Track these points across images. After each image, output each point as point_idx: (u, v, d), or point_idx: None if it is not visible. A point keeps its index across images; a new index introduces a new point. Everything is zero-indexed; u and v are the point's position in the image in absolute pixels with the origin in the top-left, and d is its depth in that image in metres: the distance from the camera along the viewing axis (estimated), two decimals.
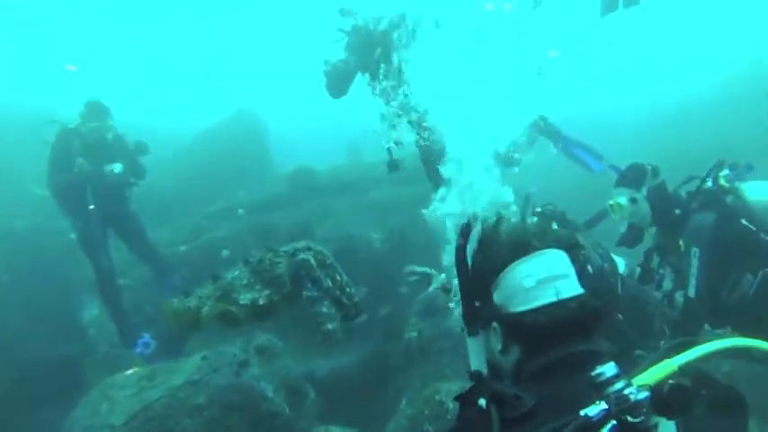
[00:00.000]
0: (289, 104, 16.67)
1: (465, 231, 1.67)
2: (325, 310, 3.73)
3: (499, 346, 1.60)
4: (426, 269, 4.79)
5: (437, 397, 4.22)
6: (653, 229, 4.30)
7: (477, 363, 1.65)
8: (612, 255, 4.56)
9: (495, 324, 1.61)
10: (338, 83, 6.23)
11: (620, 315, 4.29)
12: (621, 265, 4.61)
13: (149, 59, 18.43)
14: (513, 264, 1.58)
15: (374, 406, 6.03)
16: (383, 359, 6.48)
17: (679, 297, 4.07)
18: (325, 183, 8.65)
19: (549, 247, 1.61)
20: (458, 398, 1.52)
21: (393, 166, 6.12)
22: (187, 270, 7.52)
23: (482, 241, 1.70)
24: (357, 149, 10.50)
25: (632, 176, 4.27)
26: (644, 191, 4.21)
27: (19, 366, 7.30)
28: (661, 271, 4.41)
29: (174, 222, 8.31)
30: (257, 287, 3.83)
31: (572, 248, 1.66)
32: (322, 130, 12.50)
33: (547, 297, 1.53)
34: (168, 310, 4.02)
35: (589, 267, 4.39)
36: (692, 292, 3.87)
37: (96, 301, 7.07)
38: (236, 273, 3.95)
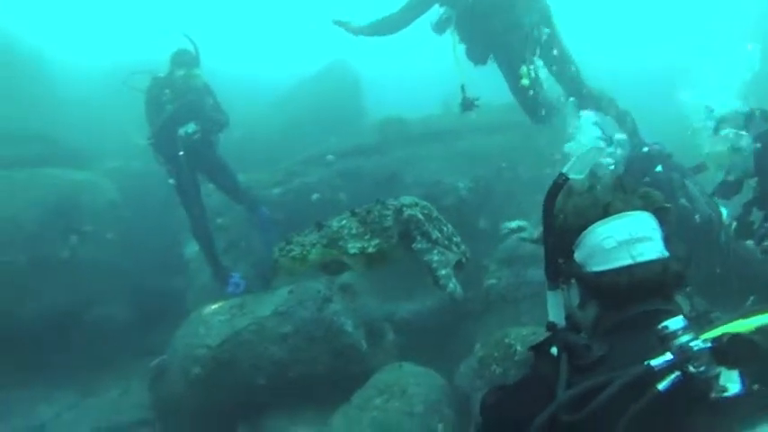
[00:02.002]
0: (388, 53, 16.61)
1: (555, 186, 1.66)
2: (437, 257, 3.82)
3: (577, 302, 1.65)
4: (520, 222, 4.84)
5: (506, 340, 4.26)
6: (753, 180, 3.97)
7: (555, 315, 1.69)
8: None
9: (574, 281, 1.65)
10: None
11: (717, 269, 4.08)
12: (725, 214, 4.34)
13: (246, 10, 18.89)
14: (595, 224, 1.59)
15: (450, 348, 6.16)
16: (462, 304, 6.53)
17: None
18: (415, 131, 8.67)
19: (634, 208, 1.59)
20: (532, 347, 1.58)
21: (467, 104, 6.15)
22: (280, 211, 7.94)
23: (568, 198, 1.71)
24: (452, 102, 10.35)
25: (738, 118, 3.94)
26: (748, 137, 3.88)
27: (133, 297, 8.16)
28: (766, 224, 4.09)
29: (268, 167, 8.70)
30: (366, 237, 3.90)
31: (660, 211, 1.63)
32: (419, 80, 12.38)
33: (627, 258, 1.53)
34: (278, 259, 4.13)
35: (697, 217, 4.17)
36: None
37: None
38: (343, 222, 4.03)
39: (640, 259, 1.53)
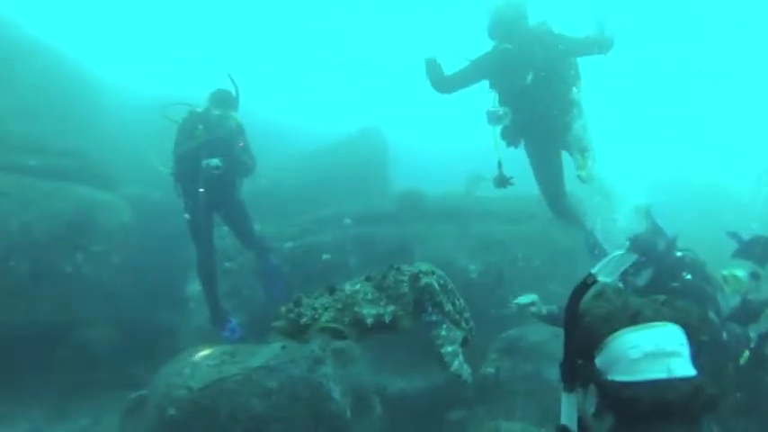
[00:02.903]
0: (421, 126, 17.06)
1: (582, 286, 1.63)
2: (444, 333, 3.68)
3: (593, 410, 1.58)
4: (531, 296, 4.74)
5: None
6: None
7: (567, 418, 1.62)
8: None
9: (592, 386, 1.59)
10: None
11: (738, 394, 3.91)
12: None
13: (292, 63, 19.66)
14: (621, 331, 1.53)
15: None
16: (455, 389, 6.34)
17: None
18: (433, 207, 8.72)
19: (663, 319, 1.53)
20: None
21: (501, 181, 6.17)
22: (289, 266, 7.90)
23: (596, 300, 1.67)
24: (476, 181, 10.48)
25: (758, 249, 3.89)
26: None
27: (125, 324, 8.04)
28: None
29: (285, 220, 8.75)
30: (381, 303, 3.74)
31: (694, 328, 1.56)
32: (448, 156, 12.60)
33: (654, 372, 1.46)
34: (282, 320, 3.89)
35: (724, 334, 3.99)
36: None
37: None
38: (357, 286, 3.87)
39: (668, 375, 1.44)
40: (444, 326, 3.68)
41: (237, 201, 7.06)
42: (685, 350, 1.50)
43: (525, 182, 6.78)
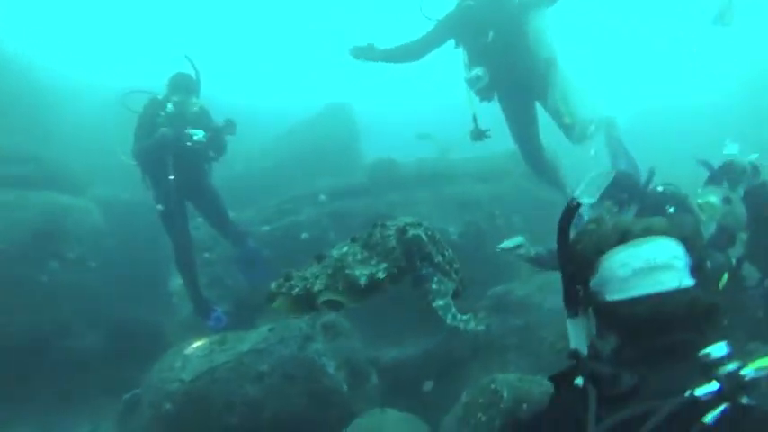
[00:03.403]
0: (388, 98, 16.94)
1: (568, 211, 1.62)
2: (435, 287, 3.59)
3: (594, 331, 1.58)
4: (518, 240, 4.68)
5: (492, 386, 4.08)
6: (746, 234, 3.92)
7: (577, 344, 1.60)
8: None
9: (590, 310, 1.58)
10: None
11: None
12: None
13: (247, 43, 19.31)
14: (610, 251, 1.52)
15: (437, 396, 5.96)
16: (449, 352, 6.38)
17: None
18: (406, 174, 8.67)
19: (656, 234, 1.51)
20: (553, 377, 1.49)
21: (477, 134, 6.33)
22: (268, 249, 7.82)
23: (587, 226, 1.65)
24: (447, 147, 10.47)
25: (728, 174, 3.92)
26: (740, 191, 3.84)
27: (110, 328, 7.92)
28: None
29: (258, 204, 8.64)
30: (372, 261, 3.61)
31: (688, 239, 1.54)
32: (417, 125, 12.51)
33: (644, 287, 1.44)
34: (276, 296, 3.75)
35: (708, 263, 4.03)
36: None
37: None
38: (345, 249, 3.74)
39: (658, 289, 1.43)
40: (435, 278, 3.59)
41: (209, 187, 6.88)
42: (680, 262, 1.48)
43: (498, 139, 6.82)
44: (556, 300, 5.50)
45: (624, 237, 1.51)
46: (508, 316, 5.87)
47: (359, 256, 3.65)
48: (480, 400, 4.13)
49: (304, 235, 7.81)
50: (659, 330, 1.41)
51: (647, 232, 1.51)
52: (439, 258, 3.68)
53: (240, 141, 7.24)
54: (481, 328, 5.80)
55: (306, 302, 3.65)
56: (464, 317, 3.62)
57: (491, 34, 6.11)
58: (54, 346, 7.32)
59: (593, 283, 1.55)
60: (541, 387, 3.90)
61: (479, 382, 4.55)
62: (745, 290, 3.87)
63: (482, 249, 7.24)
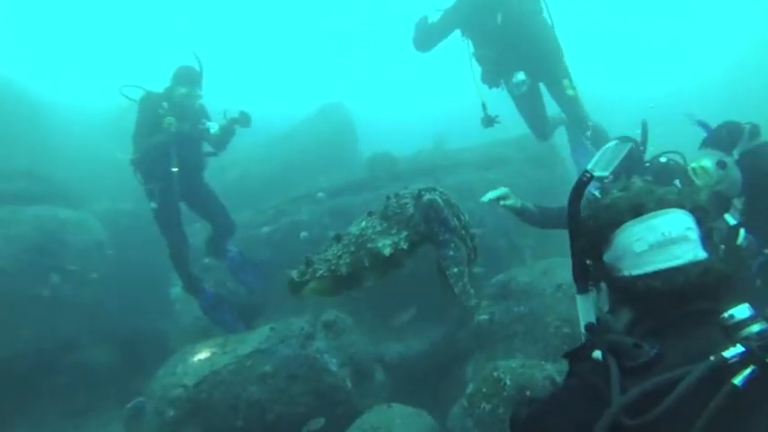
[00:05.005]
0: (382, 96, 16.93)
1: (580, 184, 1.57)
2: (452, 253, 3.50)
3: (607, 307, 1.54)
4: (502, 190, 4.45)
5: (495, 374, 4.00)
6: (741, 200, 3.73)
7: (587, 319, 1.56)
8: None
9: (603, 285, 1.55)
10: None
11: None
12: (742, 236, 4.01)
13: (245, 50, 19.37)
14: (624, 225, 1.48)
15: (444, 389, 5.88)
16: (454, 343, 6.29)
17: None
18: (404, 168, 8.57)
19: (668, 206, 1.47)
20: (568, 353, 1.44)
21: (488, 121, 6.60)
22: (269, 250, 7.76)
23: (595, 198, 1.60)
24: (442, 138, 10.40)
25: (724, 136, 3.72)
26: (735, 154, 3.65)
27: (115, 339, 7.89)
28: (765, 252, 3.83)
29: (256, 207, 8.58)
30: (393, 231, 3.55)
31: (697, 210, 1.51)
32: (412, 120, 12.47)
33: (660, 262, 1.41)
34: (301, 284, 3.66)
35: (715, 236, 3.83)
36: None
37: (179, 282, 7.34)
38: (363, 224, 3.69)
39: (675, 263, 1.40)
40: (453, 245, 3.51)
41: (204, 182, 6.78)
42: (694, 233, 1.46)
43: (497, 127, 6.80)
44: (560, 283, 5.42)
45: (638, 210, 1.47)
46: (512, 303, 5.75)
47: (378, 228, 3.58)
48: (484, 390, 4.06)
49: (304, 234, 7.73)
50: (676, 302, 1.39)
51: (662, 204, 1.47)
52: (455, 222, 3.59)
53: (233, 146, 7.14)
54: (485, 317, 5.81)
55: (336, 282, 3.59)
56: (472, 291, 3.54)
57: (500, 16, 6.35)
58: (60, 361, 7.30)
59: (606, 257, 1.51)
60: (544, 371, 3.81)
61: (483, 371, 4.47)
62: (742, 259, 3.70)
63: (484, 238, 7.14)
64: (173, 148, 6.08)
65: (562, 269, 5.81)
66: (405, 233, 3.51)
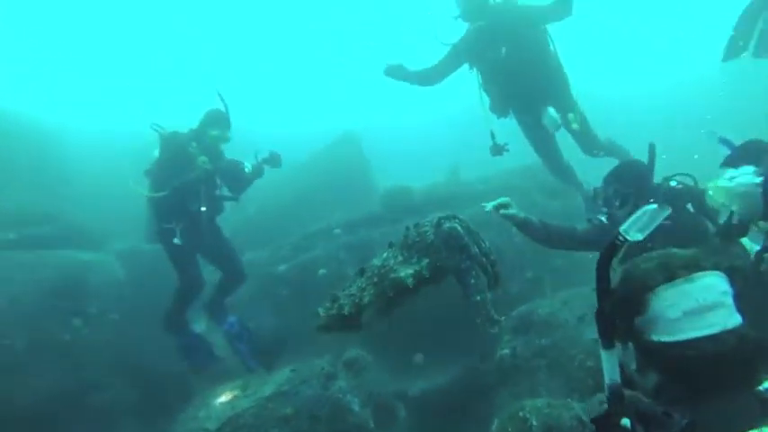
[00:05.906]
0: (395, 126, 17.07)
1: (612, 247, 1.52)
2: (473, 281, 3.54)
3: (634, 366, 1.50)
4: (501, 199, 4.42)
5: (521, 413, 3.94)
6: (764, 225, 3.58)
7: (611, 375, 1.50)
8: None
9: (631, 344, 1.51)
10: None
11: None
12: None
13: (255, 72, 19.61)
14: (657, 290, 1.44)
15: (465, 426, 5.79)
16: (477, 378, 6.21)
17: None
18: (420, 200, 8.60)
19: (704, 269, 1.44)
20: (596, 419, 1.40)
21: (496, 150, 6.65)
22: (286, 288, 7.77)
23: (627, 260, 1.59)
24: (456, 168, 10.43)
25: (748, 155, 3.46)
26: (759, 173, 3.41)
27: (138, 381, 7.88)
28: None
29: (273, 244, 8.62)
30: (414, 260, 3.59)
31: (738, 270, 1.51)
32: (427, 151, 12.51)
33: (693, 331, 1.37)
34: (327, 320, 3.72)
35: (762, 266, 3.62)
36: None
37: (203, 317, 7.38)
38: (384, 255, 3.74)
39: (710, 331, 1.36)
40: (474, 272, 3.55)
41: (218, 228, 6.83)
42: (728, 298, 1.42)
43: (508, 155, 6.82)
44: (582, 314, 5.35)
45: (672, 274, 1.44)
46: (533, 336, 5.69)
47: (400, 258, 3.63)
48: (510, 430, 3.99)
49: (321, 271, 7.74)
50: (709, 369, 1.35)
51: (696, 268, 1.44)
52: (475, 249, 3.62)
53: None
54: (506, 351, 5.74)
55: (357, 316, 3.61)
56: (495, 317, 3.57)
57: (504, 50, 6.44)
58: (82, 405, 7.29)
59: (638, 320, 1.47)
60: (571, 411, 3.74)
61: (508, 409, 4.41)
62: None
63: (501, 268, 7.10)
64: (202, 187, 6.15)
65: (582, 300, 5.75)
66: (426, 261, 3.55)
